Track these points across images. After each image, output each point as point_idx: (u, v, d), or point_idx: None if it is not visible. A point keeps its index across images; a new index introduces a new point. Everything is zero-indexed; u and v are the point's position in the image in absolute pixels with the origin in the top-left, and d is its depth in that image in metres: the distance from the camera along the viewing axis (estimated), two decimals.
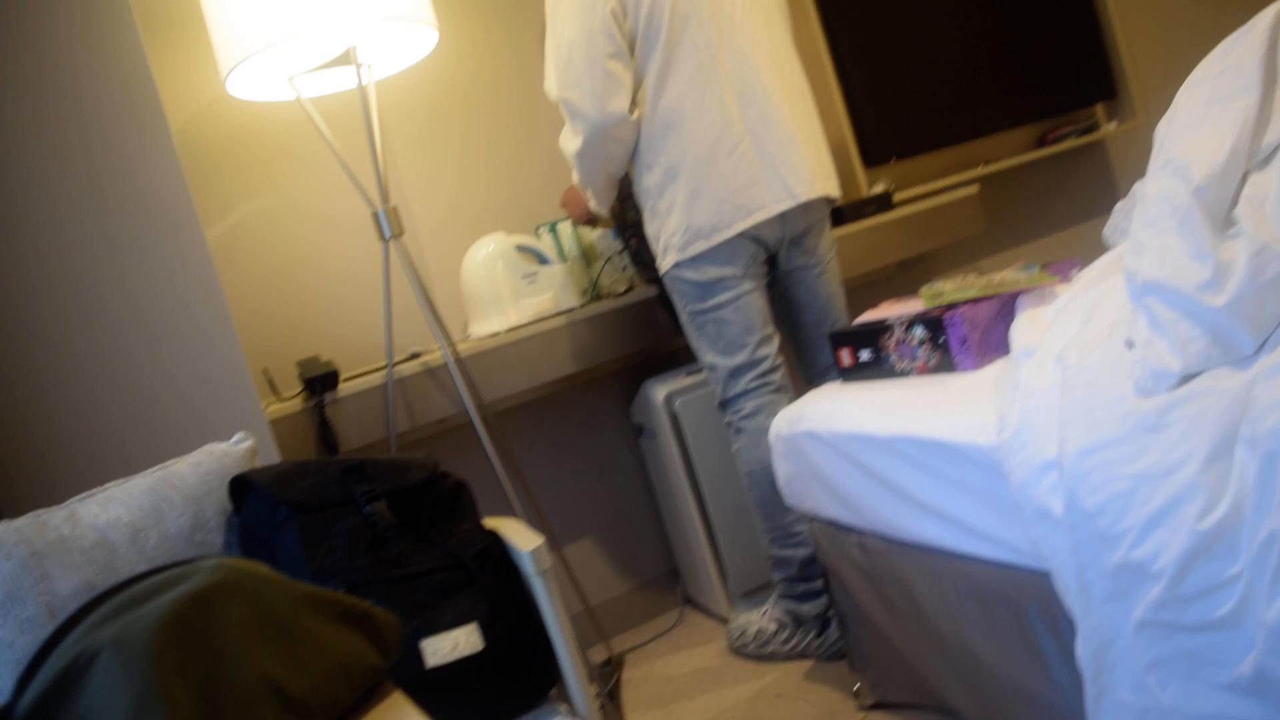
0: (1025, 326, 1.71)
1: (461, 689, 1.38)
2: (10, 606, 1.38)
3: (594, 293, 2.88)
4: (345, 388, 2.49)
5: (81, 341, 2.03)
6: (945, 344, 1.86)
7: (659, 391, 2.82)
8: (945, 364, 1.87)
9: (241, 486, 1.56)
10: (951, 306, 1.88)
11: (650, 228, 2.48)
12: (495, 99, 3.09)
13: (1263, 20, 1.47)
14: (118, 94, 2.07)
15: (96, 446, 2.03)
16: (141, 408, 2.07)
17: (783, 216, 2.39)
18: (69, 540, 1.45)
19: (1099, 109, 4.04)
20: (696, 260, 2.39)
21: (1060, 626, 1.52)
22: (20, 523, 1.46)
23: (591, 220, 2.88)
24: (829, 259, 2.56)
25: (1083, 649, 1.36)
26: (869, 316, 2.10)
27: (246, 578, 0.74)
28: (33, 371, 1.99)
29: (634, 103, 2.35)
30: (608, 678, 2.71)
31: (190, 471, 1.59)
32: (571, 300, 2.82)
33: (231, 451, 1.66)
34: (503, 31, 3.11)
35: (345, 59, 2.47)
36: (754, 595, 2.85)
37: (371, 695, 0.77)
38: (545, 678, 1.48)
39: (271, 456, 2.15)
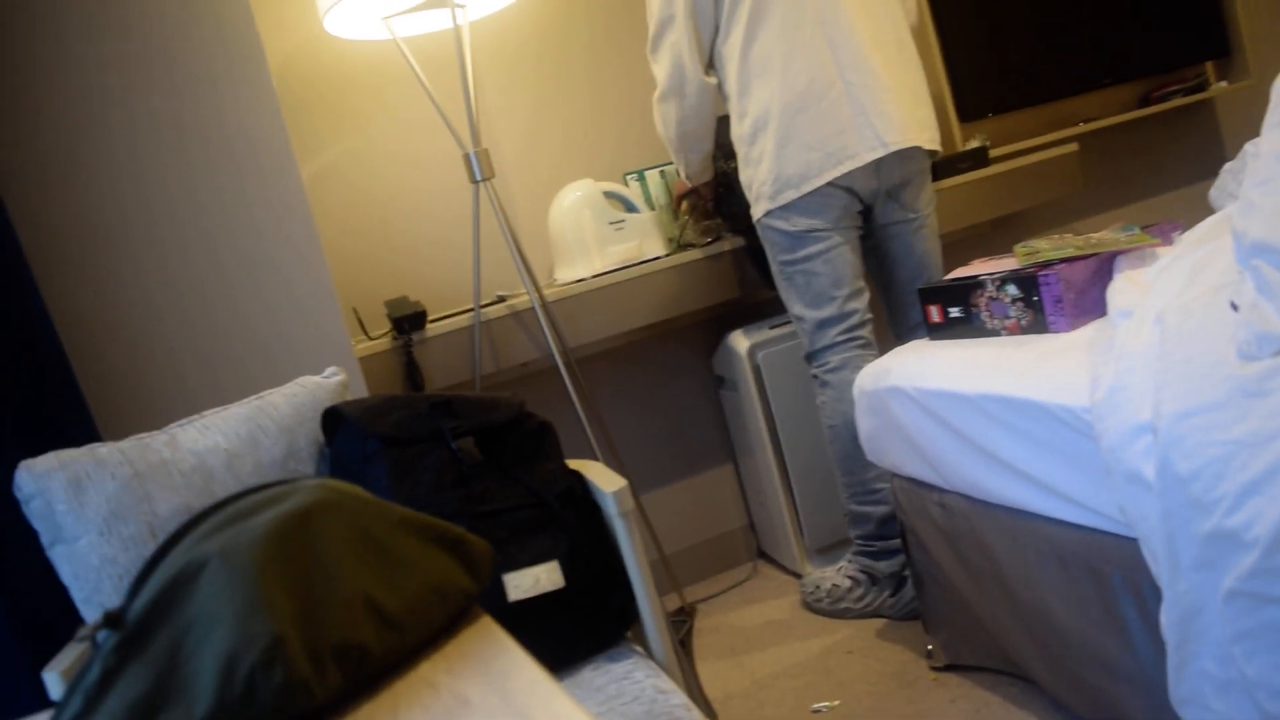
0: (1123, 287, 1.67)
1: (540, 625, 1.40)
2: (114, 524, 1.44)
3: (680, 242, 2.87)
4: (432, 328, 2.52)
5: (182, 275, 2.08)
6: (1039, 303, 1.82)
7: (742, 343, 2.81)
8: (1038, 324, 1.83)
9: (333, 418, 1.59)
10: (1047, 265, 1.84)
11: (743, 176, 2.47)
12: (588, 43, 3.08)
13: None
14: (218, 32, 2.11)
15: (194, 376, 2.09)
16: (237, 340, 2.12)
17: (877, 167, 2.35)
18: (169, 463, 1.51)
19: (1208, 67, 3.89)
20: (787, 210, 2.37)
21: (1144, 594, 1.49)
22: (124, 444, 1.52)
23: (695, 198, 2.86)
24: (928, 214, 2.51)
25: (1167, 617, 1.34)
26: (960, 273, 2.07)
27: (346, 498, 0.76)
28: (136, 303, 2.05)
29: (715, 63, 2.37)
30: (679, 626, 2.74)
31: (284, 402, 1.64)
32: (657, 249, 2.82)
33: (324, 384, 1.70)
34: None
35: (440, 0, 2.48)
36: (829, 552, 2.85)
37: (462, 619, 0.79)
38: (622, 619, 1.50)
39: (360, 392, 2.19)
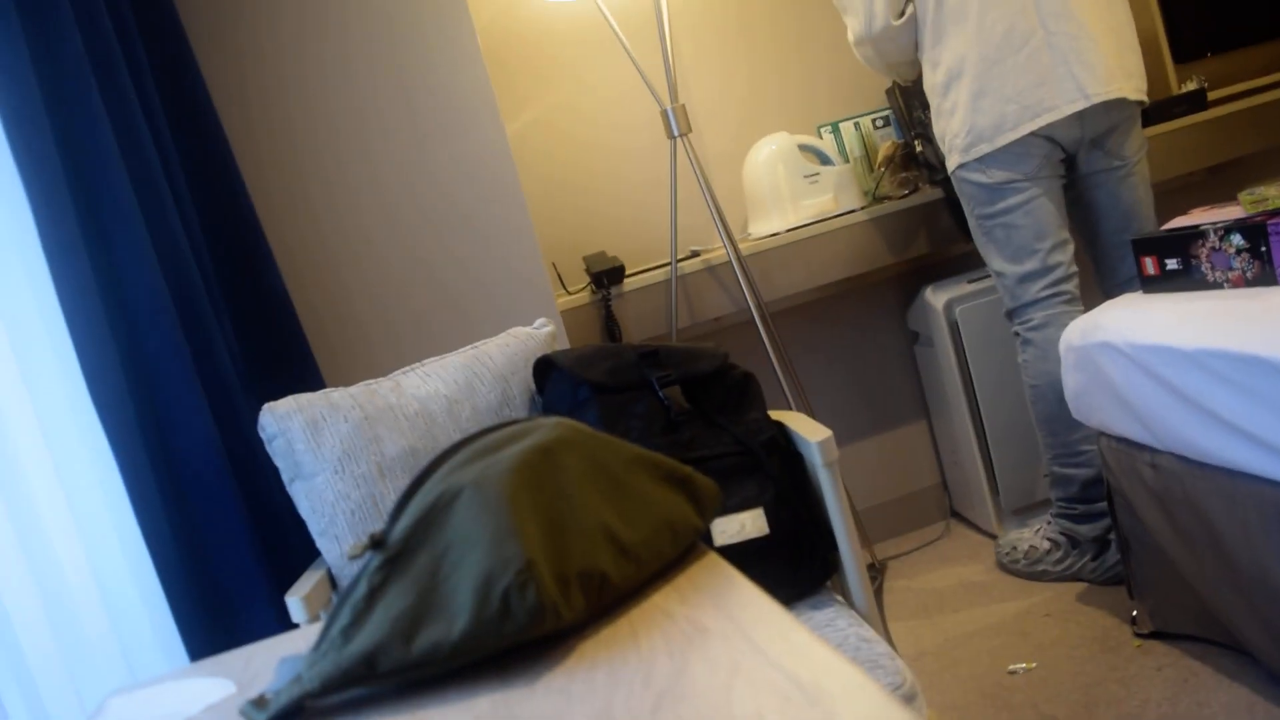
0: None
1: (745, 570, 1.43)
2: (347, 463, 1.55)
3: (875, 194, 2.84)
4: (629, 283, 2.58)
5: (398, 231, 2.20)
6: (1267, 254, 1.72)
7: (939, 298, 2.76)
8: (1266, 276, 1.74)
9: (545, 367, 1.66)
10: (1276, 213, 1.74)
11: (936, 127, 2.41)
12: None
13: None
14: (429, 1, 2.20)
15: (410, 327, 2.21)
16: (448, 293, 2.23)
17: (1080, 116, 2.25)
18: (395, 408, 1.61)
19: None
20: (983, 162, 2.30)
21: None
22: (354, 390, 1.63)
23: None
24: (1136, 161, 2.39)
25: None
26: (1178, 223, 1.97)
27: (584, 435, 0.81)
28: (355, 258, 2.18)
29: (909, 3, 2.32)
30: (870, 582, 2.74)
31: (498, 351, 1.71)
32: (853, 201, 2.79)
33: (535, 335, 1.77)
34: None
35: None
36: (1024, 513, 2.79)
37: (690, 553, 0.82)
38: (824, 568, 1.52)
39: (563, 344, 2.27)
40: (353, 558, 0.73)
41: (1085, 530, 2.41)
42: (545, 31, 2.89)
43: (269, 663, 0.92)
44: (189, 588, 1.59)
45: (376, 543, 0.75)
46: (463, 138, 2.23)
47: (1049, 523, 2.52)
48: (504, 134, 2.24)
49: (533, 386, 1.69)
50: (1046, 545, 2.51)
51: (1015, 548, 2.59)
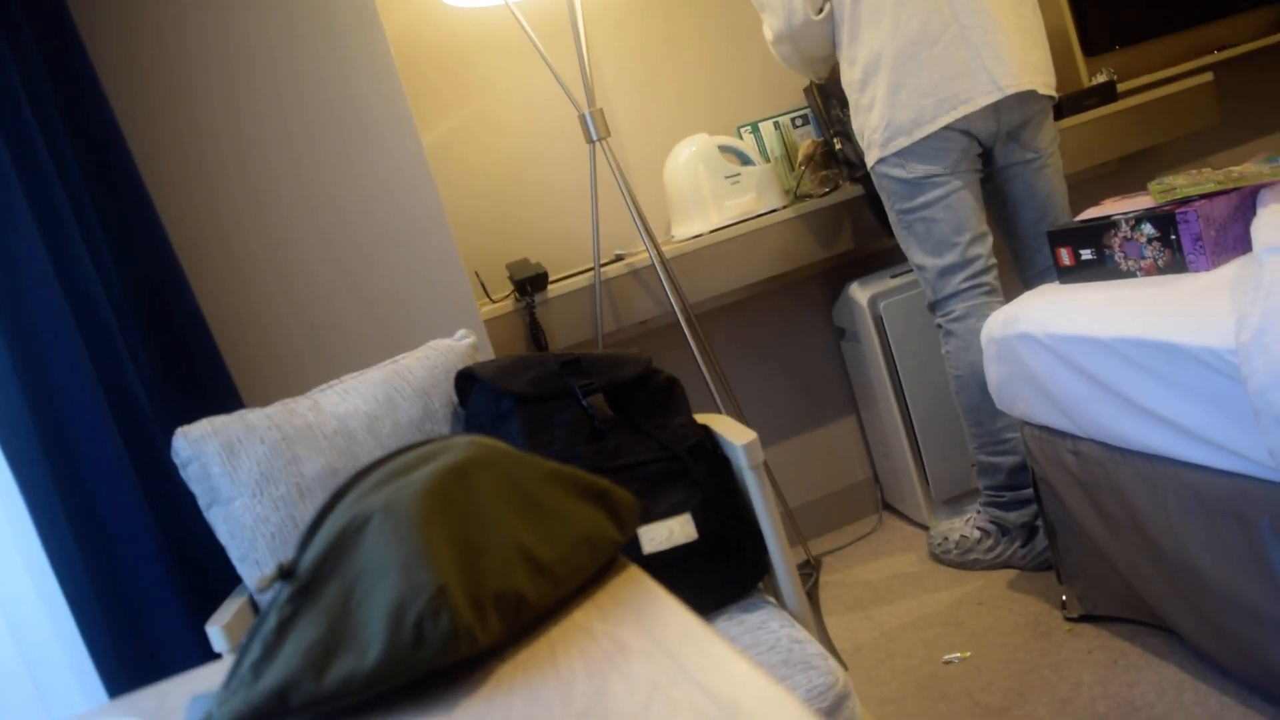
0: (1271, 222, 1.59)
1: (675, 577, 1.42)
2: (265, 485, 1.51)
3: (797, 193, 2.85)
4: (553, 289, 2.56)
5: (314, 246, 2.15)
6: (1177, 242, 1.76)
7: (863, 294, 2.78)
8: (1176, 264, 1.77)
9: (467, 379, 1.64)
10: (1185, 202, 1.77)
11: (854, 123, 2.43)
12: None
13: None
14: (337, 8, 2.15)
15: (330, 342, 2.17)
16: (368, 306, 2.19)
17: (996, 109, 2.29)
18: (314, 427, 1.57)
19: None
20: (901, 156, 2.32)
21: None
22: (271, 410, 1.58)
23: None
24: (1050, 153, 2.43)
25: None
26: (1091, 214, 2.00)
27: (497, 454, 0.79)
28: (272, 272, 2.13)
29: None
30: (805, 579, 2.75)
31: (419, 365, 1.68)
32: (774, 201, 2.80)
33: (456, 347, 1.74)
34: None
35: None
36: (955, 503, 2.82)
37: (610, 568, 0.81)
38: (754, 570, 1.52)
39: (486, 354, 2.24)
40: (262, 589, 0.71)
41: (1013, 518, 2.44)
42: (461, 39, 2.85)
43: (184, 700, 0.89)
44: (105, 622, 1.54)
45: (285, 573, 0.72)
46: (378, 149, 2.19)
47: (978, 512, 2.55)
48: (420, 144, 2.21)
49: (455, 399, 1.66)
50: (977, 534, 2.54)
51: (946, 538, 2.62)
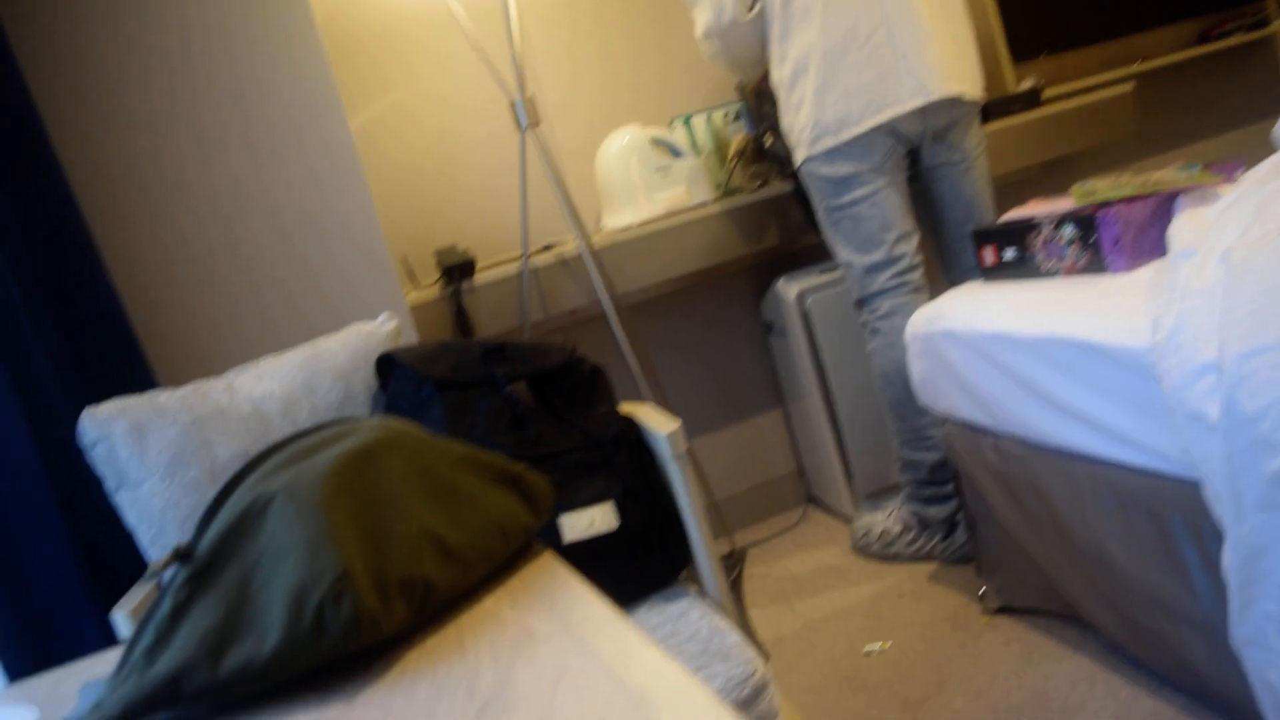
0: (1185, 226, 1.63)
1: (596, 566, 1.41)
2: (176, 469, 1.46)
3: (727, 187, 2.85)
4: (481, 277, 2.53)
5: (236, 225, 2.10)
6: (1096, 243, 1.79)
7: (791, 289, 2.79)
8: (1095, 264, 1.80)
9: (388, 364, 1.61)
10: (1105, 205, 1.80)
11: (783, 121, 2.44)
12: None
13: None
14: None
15: (250, 324, 2.11)
16: (291, 288, 2.14)
17: (922, 111, 2.31)
18: (227, 410, 1.53)
19: (1269, 3, 3.77)
20: (829, 155, 2.34)
21: (1205, 536, 1.48)
22: (183, 392, 1.54)
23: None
24: (976, 155, 2.46)
25: (1230, 558, 1.32)
26: (1015, 215, 2.03)
27: (406, 436, 0.77)
28: (192, 252, 2.07)
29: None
30: (730, 570, 2.75)
31: (340, 349, 1.65)
32: (705, 194, 2.79)
33: (377, 331, 1.71)
34: None
35: None
36: (878, 496, 2.84)
37: (524, 554, 0.79)
38: (676, 559, 1.51)
39: (411, 341, 2.21)
40: (155, 573, 0.68)
41: (934, 512, 2.47)
42: (390, 22, 2.80)
43: (76, 686, 0.86)
44: (6, 607, 1.48)
45: (181, 556, 0.69)
46: (305, 132, 2.14)
47: (901, 506, 2.58)
48: (347, 128, 2.16)
49: (376, 384, 1.63)
50: (898, 528, 2.56)
51: (869, 531, 2.64)
